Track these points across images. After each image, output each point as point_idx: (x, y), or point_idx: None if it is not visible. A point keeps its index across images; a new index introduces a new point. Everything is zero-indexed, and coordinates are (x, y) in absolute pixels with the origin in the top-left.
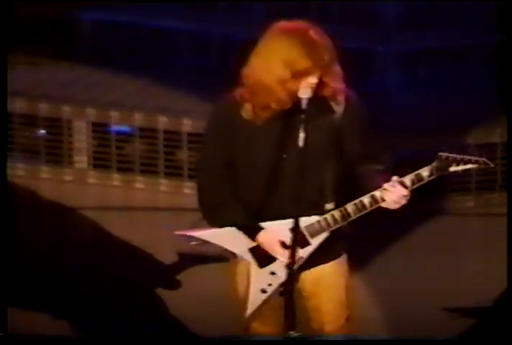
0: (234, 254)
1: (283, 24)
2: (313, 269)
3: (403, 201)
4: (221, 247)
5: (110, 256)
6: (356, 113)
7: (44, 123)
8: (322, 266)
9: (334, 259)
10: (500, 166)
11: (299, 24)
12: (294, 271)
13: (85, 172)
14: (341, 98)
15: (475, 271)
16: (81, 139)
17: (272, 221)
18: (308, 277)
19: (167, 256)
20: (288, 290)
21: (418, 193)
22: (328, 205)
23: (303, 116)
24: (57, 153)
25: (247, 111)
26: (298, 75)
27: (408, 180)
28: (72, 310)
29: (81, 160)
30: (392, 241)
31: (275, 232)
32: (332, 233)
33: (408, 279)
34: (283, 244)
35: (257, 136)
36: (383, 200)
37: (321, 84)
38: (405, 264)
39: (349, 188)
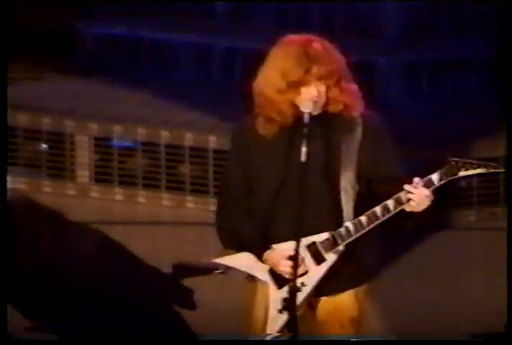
0: (254, 278)
1: (289, 36)
2: (331, 298)
3: (427, 202)
4: (243, 272)
5: (112, 270)
6: (377, 132)
7: (46, 137)
8: (341, 295)
9: (354, 287)
10: (502, 180)
11: (304, 36)
12: (297, 286)
13: (88, 186)
14: (356, 115)
15: (477, 285)
16: (83, 154)
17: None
18: (326, 305)
19: (169, 269)
20: (290, 305)
21: None
22: (347, 224)
23: (305, 130)
24: (59, 167)
25: (259, 126)
26: (293, 85)
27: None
28: (74, 322)
29: (83, 175)
30: (393, 255)
31: (281, 250)
32: (354, 260)
33: (409, 293)
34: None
35: (268, 152)
36: (408, 200)
37: (328, 99)
38: (406, 278)
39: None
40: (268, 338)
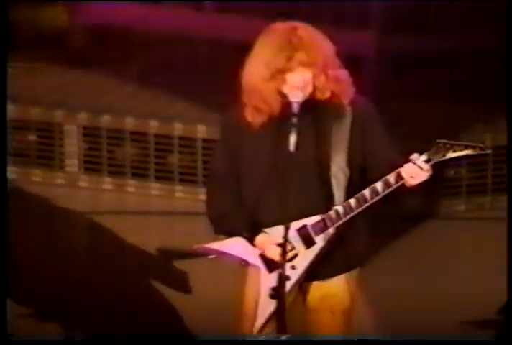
0: (247, 262)
1: (274, 24)
2: (322, 283)
3: (422, 175)
4: (236, 256)
5: (101, 259)
6: (367, 118)
7: (35, 127)
8: (332, 281)
9: (345, 272)
10: (491, 170)
11: (289, 24)
12: (285, 275)
13: (77, 175)
14: (345, 102)
15: (466, 274)
16: (72, 143)
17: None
18: (317, 291)
19: (160, 256)
20: (279, 292)
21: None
22: (339, 208)
23: (294, 120)
24: (48, 157)
25: (248, 115)
26: (277, 73)
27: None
28: (63, 312)
29: (72, 164)
30: (382, 245)
31: (271, 234)
32: (344, 244)
33: (397, 283)
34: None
35: (257, 141)
36: (396, 182)
37: (315, 87)
38: (395, 268)
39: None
40: (262, 337)
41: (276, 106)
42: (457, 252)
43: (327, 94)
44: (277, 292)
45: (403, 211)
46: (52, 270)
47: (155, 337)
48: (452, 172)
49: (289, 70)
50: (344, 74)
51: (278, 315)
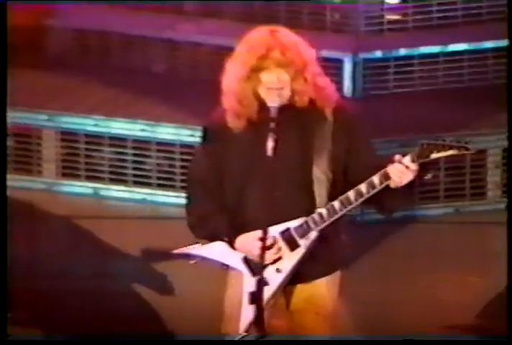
0: (228, 267)
1: (256, 29)
2: (306, 285)
3: (409, 175)
4: (217, 261)
5: (80, 264)
6: (348, 123)
7: (12, 131)
8: (315, 282)
9: (328, 274)
10: (469, 174)
11: (269, 27)
12: (264, 280)
13: (55, 180)
14: (327, 107)
15: (445, 277)
16: (50, 148)
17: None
18: (300, 293)
19: (140, 261)
20: (258, 297)
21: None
22: (323, 210)
23: (272, 124)
24: (26, 162)
25: (228, 120)
26: (253, 70)
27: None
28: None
29: (50, 168)
30: (361, 249)
31: (252, 236)
32: (328, 247)
33: (378, 287)
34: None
35: (237, 146)
36: (380, 184)
37: (293, 91)
38: (374, 272)
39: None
40: (244, 337)
41: (253, 108)
42: (435, 256)
43: (306, 100)
44: (255, 297)
45: (383, 213)
46: (31, 274)
47: (137, 339)
48: (430, 176)
49: (264, 68)
50: (325, 81)
51: (257, 319)
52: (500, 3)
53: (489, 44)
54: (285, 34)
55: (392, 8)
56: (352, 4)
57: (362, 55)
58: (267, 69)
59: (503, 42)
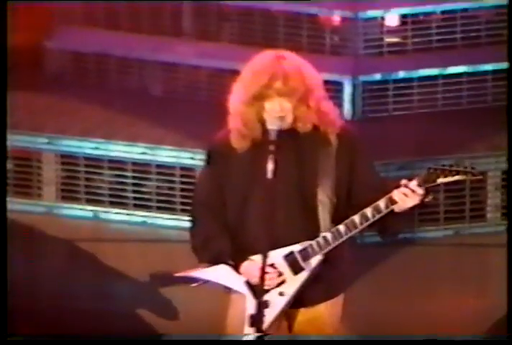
0: (230, 290)
1: (263, 52)
2: (308, 309)
3: (415, 199)
4: (219, 284)
5: (81, 287)
6: (352, 147)
7: (12, 154)
8: (318, 306)
9: (331, 297)
10: (468, 196)
11: (276, 53)
12: (264, 302)
13: (54, 203)
14: (331, 132)
15: (444, 299)
16: (50, 171)
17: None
18: (302, 315)
19: (143, 283)
20: (257, 319)
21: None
22: (327, 234)
23: (271, 147)
24: (26, 185)
25: (232, 141)
26: (256, 98)
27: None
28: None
29: (50, 191)
30: (361, 271)
31: (255, 263)
32: (331, 270)
33: (377, 309)
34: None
35: (239, 168)
36: (392, 202)
37: (295, 117)
38: (374, 294)
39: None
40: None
41: (257, 131)
42: (435, 278)
43: (309, 126)
44: (255, 320)
45: (385, 236)
46: (33, 297)
47: None
48: (430, 198)
49: (267, 97)
50: (329, 106)
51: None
52: (498, 25)
53: (488, 66)
54: (291, 61)
55: (392, 31)
56: (351, 26)
57: (362, 78)
58: (270, 97)
59: (502, 65)
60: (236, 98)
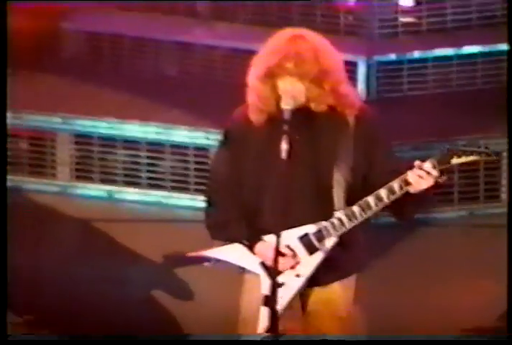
0: (245, 271)
1: (285, 29)
2: (322, 289)
3: (429, 180)
4: (234, 264)
5: (96, 267)
6: (370, 128)
7: (28, 134)
8: (331, 286)
9: (344, 277)
10: (483, 177)
11: (297, 31)
12: (278, 282)
13: (69, 183)
14: (349, 113)
15: (460, 281)
16: (64, 151)
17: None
18: (316, 295)
19: (156, 263)
20: (272, 299)
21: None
22: (340, 215)
23: (285, 127)
24: (40, 165)
25: (250, 114)
26: (269, 74)
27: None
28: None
29: (64, 171)
30: (376, 252)
31: (271, 243)
32: (345, 251)
33: (392, 289)
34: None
35: (254, 147)
36: (401, 188)
37: (308, 98)
38: (388, 275)
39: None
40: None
41: (272, 106)
42: (450, 259)
43: (323, 107)
44: (269, 300)
45: (400, 219)
46: (46, 278)
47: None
48: (444, 178)
49: (279, 76)
50: (348, 89)
51: (271, 322)
52: None
53: (503, 46)
54: (308, 42)
55: (406, 11)
56: (366, 7)
57: (376, 58)
58: (282, 77)
59: None
60: (253, 73)
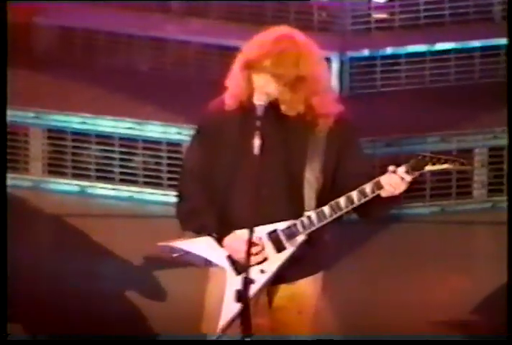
0: (211, 264)
1: (277, 27)
2: (288, 286)
3: (402, 186)
4: (201, 257)
5: (68, 262)
6: (342, 130)
7: None
8: (298, 283)
9: (311, 274)
10: (455, 174)
11: (286, 32)
12: (250, 278)
13: (41, 178)
14: (322, 119)
15: (430, 276)
16: (37, 146)
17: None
18: (282, 291)
19: (125, 256)
20: (244, 295)
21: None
22: (310, 213)
23: (258, 122)
24: (13, 160)
25: (226, 99)
26: (247, 65)
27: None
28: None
29: (37, 166)
30: (345, 248)
31: (240, 238)
32: (312, 249)
33: (362, 285)
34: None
35: (226, 142)
36: (378, 188)
37: (279, 100)
38: (359, 270)
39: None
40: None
41: (244, 94)
42: (421, 255)
43: (293, 112)
44: (241, 295)
45: (367, 219)
46: (18, 273)
47: (119, 338)
48: (417, 174)
49: (255, 69)
50: (321, 100)
51: (243, 318)
52: (487, 2)
53: (476, 43)
54: (295, 44)
55: (379, 7)
56: (339, 3)
57: (349, 54)
58: (258, 72)
59: (490, 42)
60: (237, 59)
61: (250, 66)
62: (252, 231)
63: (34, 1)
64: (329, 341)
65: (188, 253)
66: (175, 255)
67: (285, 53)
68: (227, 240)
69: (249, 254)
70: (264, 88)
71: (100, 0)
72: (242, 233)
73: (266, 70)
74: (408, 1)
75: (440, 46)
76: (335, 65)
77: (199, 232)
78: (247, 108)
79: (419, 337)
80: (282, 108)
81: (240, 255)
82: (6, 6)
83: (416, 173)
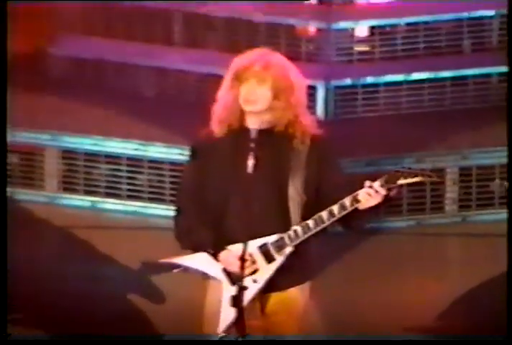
0: (209, 276)
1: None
2: (279, 293)
3: (378, 198)
4: (199, 271)
5: (77, 272)
6: (320, 148)
7: (19, 149)
8: (288, 291)
9: (300, 283)
10: (429, 191)
11: (266, 50)
12: (244, 285)
13: (56, 194)
14: (301, 136)
15: (407, 284)
16: (52, 164)
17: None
18: (274, 298)
19: (131, 269)
20: (238, 301)
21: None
22: (296, 227)
23: (252, 144)
24: (30, 177)
25: (212, 126)
26: (233, 80)
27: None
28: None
29: (52, 183)
30: (332, 257)
31: (233, 252)
32: (300, 259)
33: (344, 292)
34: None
35: (220, 163)
36: (352, 205)
37: (271, 111)
38: (344, 277)
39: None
40: (225, 337)
41: (234, 115)
42: (399, 263)
43: (283, 122)
44: (236, 301)
45: (349, 230)
46: (31, 282)
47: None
48: (394, 192)
49: (244, 80)
50: (305, 116)
51: (237, 320)
52: (457, 36)
53: (447, 73)
54: (279, 59)
55: (361, 41)
56: (325, 36)
57: (334, 83)
58: (247, 80)
59: (460, 72)
60: (222, 86)
61: (239, 75)
62: (245, 245)
63: (34, 1)
64: (316, 341)
65: (187, 268)
66: (175, 271)
67: (272, 61)
68: (222, 255)
69: (242, 267)
70: (252, 96)
71: (100, 0)
72: (236, 249)
73: (254, 74)
74: (386, 36)
75: (415, 76)
76: (321, 93)
77: (197, 250)
78: (236, 131)
79: (419, 337)
80: (271, 118)
81: (234, 268)
82: (6, 6)
83: (391, 186)
